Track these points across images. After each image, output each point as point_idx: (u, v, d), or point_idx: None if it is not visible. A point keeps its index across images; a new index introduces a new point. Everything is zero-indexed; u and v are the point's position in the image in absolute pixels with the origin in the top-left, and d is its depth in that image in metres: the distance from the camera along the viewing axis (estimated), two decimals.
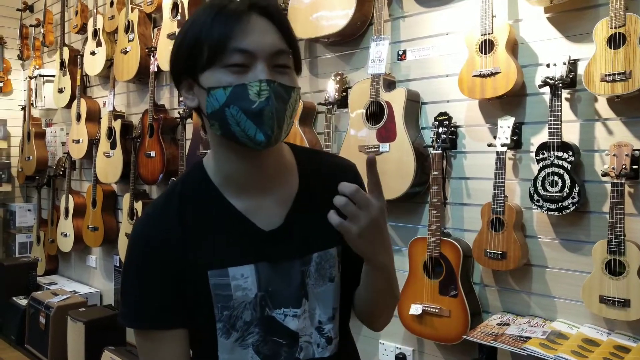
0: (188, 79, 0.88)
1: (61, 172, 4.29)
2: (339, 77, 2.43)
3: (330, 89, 2.41)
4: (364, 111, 2.25)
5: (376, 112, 2.22)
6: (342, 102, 2.41)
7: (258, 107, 0.82)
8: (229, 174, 0.93)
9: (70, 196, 4.11)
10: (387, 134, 2.18)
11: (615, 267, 1.71)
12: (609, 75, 1.68)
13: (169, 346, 0.91)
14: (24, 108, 4.80)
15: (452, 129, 2.13)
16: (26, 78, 4.83)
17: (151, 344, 0.92)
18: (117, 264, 3.94)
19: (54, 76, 4.41)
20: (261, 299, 0.92)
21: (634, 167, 1.71)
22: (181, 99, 3.38)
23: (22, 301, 3.86)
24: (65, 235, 4.15)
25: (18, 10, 4.95)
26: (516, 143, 1.99)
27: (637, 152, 1.74)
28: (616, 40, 1.68)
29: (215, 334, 0.92)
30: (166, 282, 0.91)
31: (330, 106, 2.40)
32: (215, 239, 0.92)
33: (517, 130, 1.98)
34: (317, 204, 0.93)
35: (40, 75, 4.54)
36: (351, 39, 2.47)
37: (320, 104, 2.48)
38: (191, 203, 0.93)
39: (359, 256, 0.91)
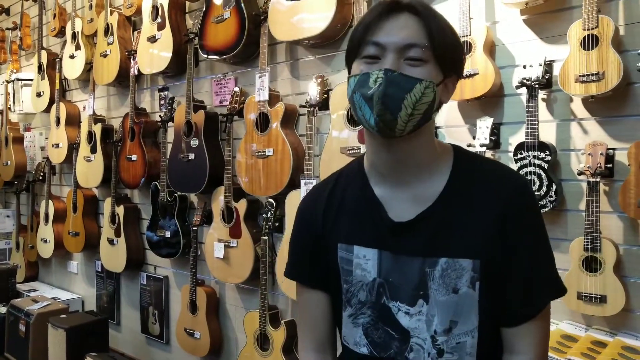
0: (349, 74, 0.95)
1: (40, 177, 4.22)
2: (320, 79, 2.44)
3: (312, 91, 2.42)
4: (345, 113, 2.26)
5: None
6: (323, 104, 2.42)
7: (371, 93, 0.87)
8: (372, 162, 1.00)
9: (50, 201, 4.05)
10: None
11: (591, 264, 1.75)
12: (583, 76, 1.72)
13: (311, 302, 1.07)
14: (1, 112, 4.72)
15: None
16: (3, 82, 4.75)
17: (300, 296, 1.10)
18: (99, 269, 3.90)
19: (32, 80, 4.35)
20: (379, 285, 0.97)
21: (609, 165, 1.75)
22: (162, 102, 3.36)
23: (2, 309, 3.78)
24: (46, 241, 4.09)
25: None
26: (495, 143, 2.01)
27: (611, 151, 1.78)
28: (589, 42, 1.72)
29: (342, 305, 1.03)
30: (309, 247, 1.06)
31: (312, 108, 2.41)
32: (351, 217, 1.00)
33: (495, 131, 2.01)
34: (459, 210, 0.93)
35: (18, 79, 4.47)
36: (331, 41, 2.48)
37: (302, 106, 2.49)
38: (344, 185, 1.04)
39: (511, 281, 0.93)
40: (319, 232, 1.04)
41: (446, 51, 0.90)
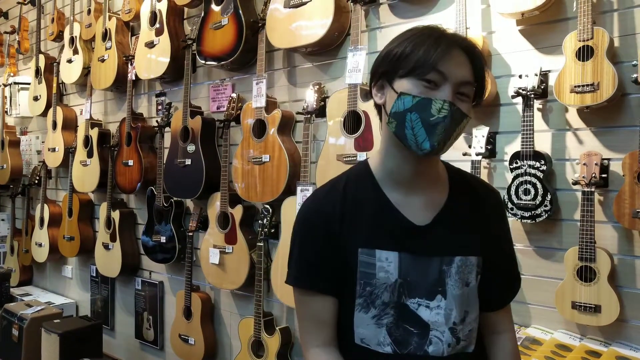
0: (384, 81, 1.03)
1: (36, 181, 4.22)
2: (318, 86, 2.45)
3: (309, 98, 2.42)
4: (342, 120, 2.27)
5: (354, 122, 2.24)
6: (320, 111, 2.43)
7: (434, 121, 0.96)
8: (390, 170, 1.07)
9: (45, 205, 4.04)
10: (364, 144, 2.20)
11: (586, 274, 1.75)
12: (578, 86, 1.73)
13: (319, 307, 1.08)
14: None
15: None
16: (0, 85, 4.75)
17: (305, 302, 1.10)
18: (94, 274, 3.88)
19: (29, 84, 4.35)
20: (400, 285, 1.04)
21: (603, 175, 1.76)
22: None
23: None
24: (40, 245, 4.07)
25: None
26: (491, 152, 2.03)
27: (606, 161, 1.79)
28: (585, 53, 1.73)
29: (353, 309, 1.06)
30: (322, 251, 1.07)
31: (309, 115, 2.41)
32: (368, 222, 1.06)
33: (491, 140, 2.02)
34: (463, 214, 1.08)
35: (15, 83, 4.47)
36: (329, 49, 2.49)
37: (298, 113, 2.49)
38: (353, 190, 1.09)
39: (498, 272, 1.11)
40: (335, 234, 1.06)
41: (481, 90, 1.03)
